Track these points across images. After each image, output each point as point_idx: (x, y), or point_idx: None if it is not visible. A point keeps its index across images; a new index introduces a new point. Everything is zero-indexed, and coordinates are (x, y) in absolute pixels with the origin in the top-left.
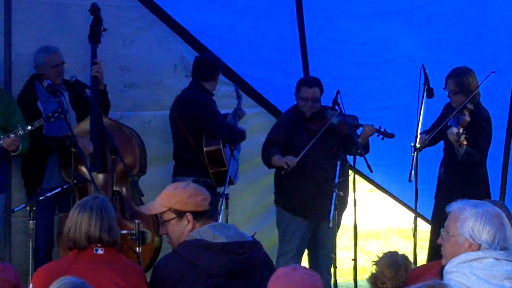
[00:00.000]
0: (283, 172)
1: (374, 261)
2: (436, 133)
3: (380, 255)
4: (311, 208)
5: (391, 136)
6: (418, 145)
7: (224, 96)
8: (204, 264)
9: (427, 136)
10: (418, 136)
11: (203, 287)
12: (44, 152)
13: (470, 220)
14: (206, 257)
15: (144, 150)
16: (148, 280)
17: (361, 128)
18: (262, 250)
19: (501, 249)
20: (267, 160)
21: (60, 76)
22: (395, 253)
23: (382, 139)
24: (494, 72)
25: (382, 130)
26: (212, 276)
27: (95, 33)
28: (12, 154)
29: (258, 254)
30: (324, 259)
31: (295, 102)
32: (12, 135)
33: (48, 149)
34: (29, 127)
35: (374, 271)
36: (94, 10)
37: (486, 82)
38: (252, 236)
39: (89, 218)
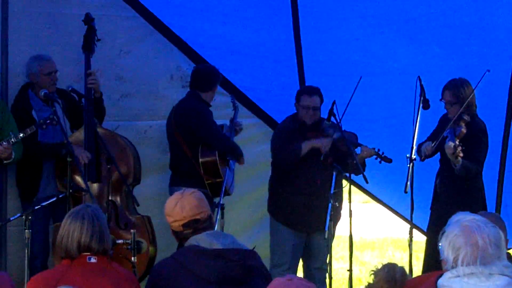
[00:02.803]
0: (322, 158)
1: (372, 271)
2: (436, 143)
3: (379, 266)
4: (304, 219)
5: (389, 160)
6: (427, 153)
7: (220, 106)
8: (197, 269)
9: (433, 144)
10: (422, 145)
11: None
12: (39, 159)
13: (443, 237)
14: (200, 262)
15: (138, 160)
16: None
17: (359, 148)
18: (258, 259)
19: (468, 265)
20: (295, 152)
21: (53, 84)
22: (394, 267)
23: (380, 162)
24: (489, 71)
25: (381, 153)
26: (204, 282)
27: (89, 43)
28: (4, 162)
29: (253, 263)
30: (318, 270)
31: (291, 113)
32: (4, 143)
33: (43, 155)
34: (21, 134)
35: (371, 281)
36: (88, 20)
37: (482, 92)
38: (252, 249)
39: (81, 227)
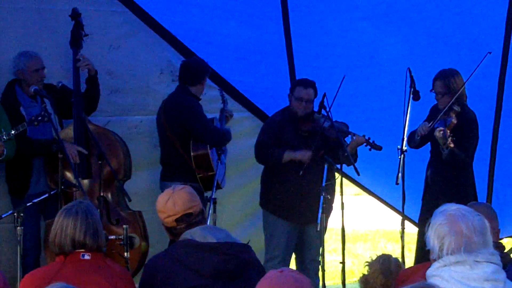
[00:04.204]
0: (300, 172)
1: (367, 262)
2: (425, 135)
3: (373, 257)
4: (297, 211)
5: (379, 148)
6: (421, 133)
7: (210, 100)
8: (192, 263)
9: (429, 124)
10: (422, 124)
11: (189, 286)
12: (30, 156)
13: (428, 228)
14: (194, 256)
15: (128, 155)
16: (137, 283)
17: (350, 137)
18: (252, 253)
19: (453, 254)
20: (277, 159)
21: (41, 80)
22: (388, 258)
23: (370, 149)
24: (490, 53)
25: (371, 141)
26: (199, 276)
27: (76, 38)
28: None
29: (247, 257)
30: (311, 262)
31: (282, 106)
32: None
33: (35, 153)
34: (13, 131)
35: (366, 273)
36: (75, 15)
37: (472, 84)
38: (247, 243)
39: (74, 223)
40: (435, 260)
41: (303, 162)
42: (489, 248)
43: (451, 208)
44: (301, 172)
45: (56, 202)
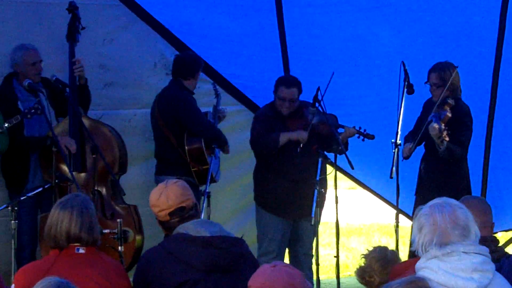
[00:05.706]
0: (298, 150)
1: (363, 254)
2: (420, 134)
3: (370, 249)
4: (290, 206)
5: (372, 137)
6: (404, 155)
7: (204, 94)
8: (185, 257)
9: (411, 145)
10: (404, 145)
11: (183, 280)
12: (25, 152)
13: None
14: (188, 250)
15: (124, 149)
16: (131, 277)
17: (341, 129)
18: (246, 247)
19: (426, 248)
20: (273, 142)
21: (38, 74)
22: (385, 248)
23: (363, 140)
24: (457, 67)
25: (362, 130)
26: (192, 269)
27: (73, 31)
28: None
29: (241, 251)
30: (304, 256)
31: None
32: None
33: (29, 149)
34: (7, 124)
35: (363, 264)
36: (72, 8)
37: (467, 78)
38: (240, 237)
39: (70, 217)
40: (414, 251)
41: (301, 141)
42: (468, 240)
43: (436, 201)
44: (298, 150)
45: (51, 195)
